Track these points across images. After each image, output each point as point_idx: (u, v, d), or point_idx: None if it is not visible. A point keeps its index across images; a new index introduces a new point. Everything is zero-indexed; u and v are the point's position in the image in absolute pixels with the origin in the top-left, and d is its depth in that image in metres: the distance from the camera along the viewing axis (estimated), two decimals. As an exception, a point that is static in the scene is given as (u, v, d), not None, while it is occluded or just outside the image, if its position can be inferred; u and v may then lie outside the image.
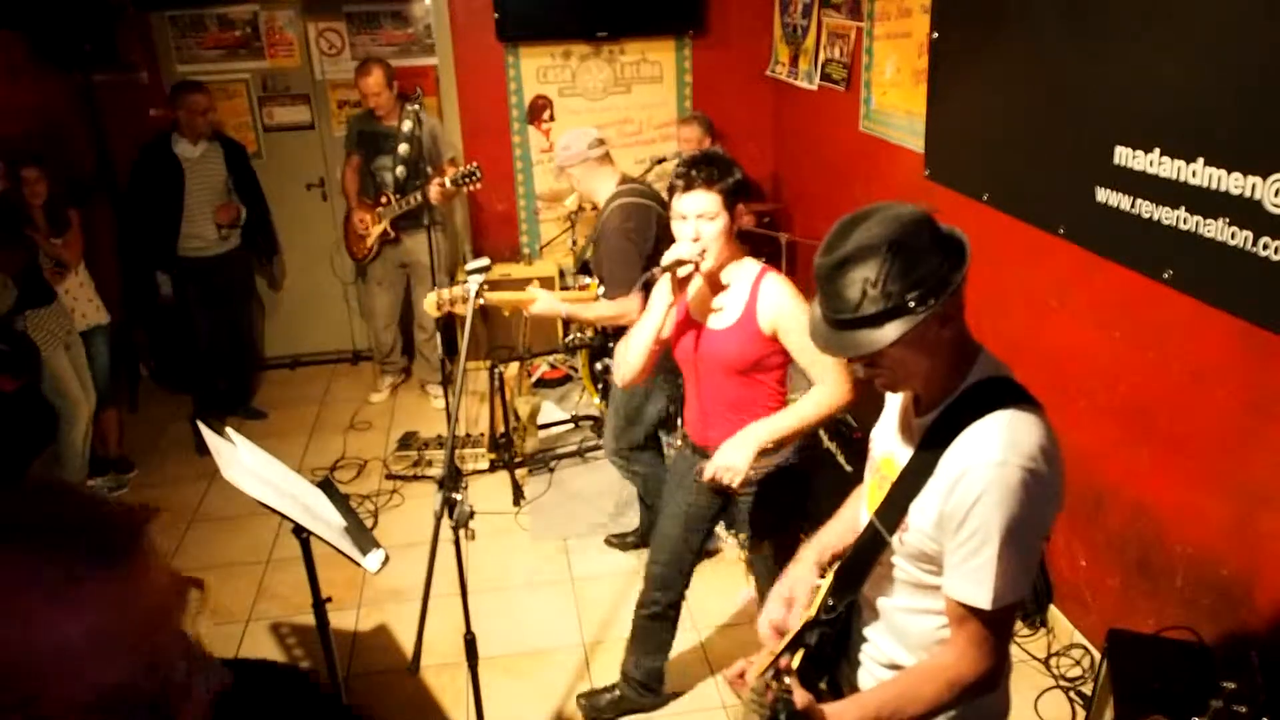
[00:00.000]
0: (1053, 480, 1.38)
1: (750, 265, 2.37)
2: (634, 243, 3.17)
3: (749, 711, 1.41)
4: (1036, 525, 1.38)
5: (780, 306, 2.28)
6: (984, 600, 1.37)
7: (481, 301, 3.40)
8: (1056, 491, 1.40)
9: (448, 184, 4.66)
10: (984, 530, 1.35)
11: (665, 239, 3.37)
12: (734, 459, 2.26)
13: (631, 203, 3.25)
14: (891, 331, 1.34)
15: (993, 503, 1.34)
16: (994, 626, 1.41)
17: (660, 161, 5.18)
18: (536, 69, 5.60)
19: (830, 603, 1.59)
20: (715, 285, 2.37)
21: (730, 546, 3.80)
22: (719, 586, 3.55)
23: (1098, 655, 2.88)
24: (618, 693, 2.96)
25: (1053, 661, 3.05)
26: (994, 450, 1.35)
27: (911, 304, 1.33)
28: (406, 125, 4.32)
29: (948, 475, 1.39)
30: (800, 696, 1.37)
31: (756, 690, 1.39)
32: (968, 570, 1.38)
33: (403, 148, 4.57)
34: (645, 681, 2.92)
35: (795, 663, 1.54)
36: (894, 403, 1.63)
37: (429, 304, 3.41)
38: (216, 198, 4.76)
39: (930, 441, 1.44)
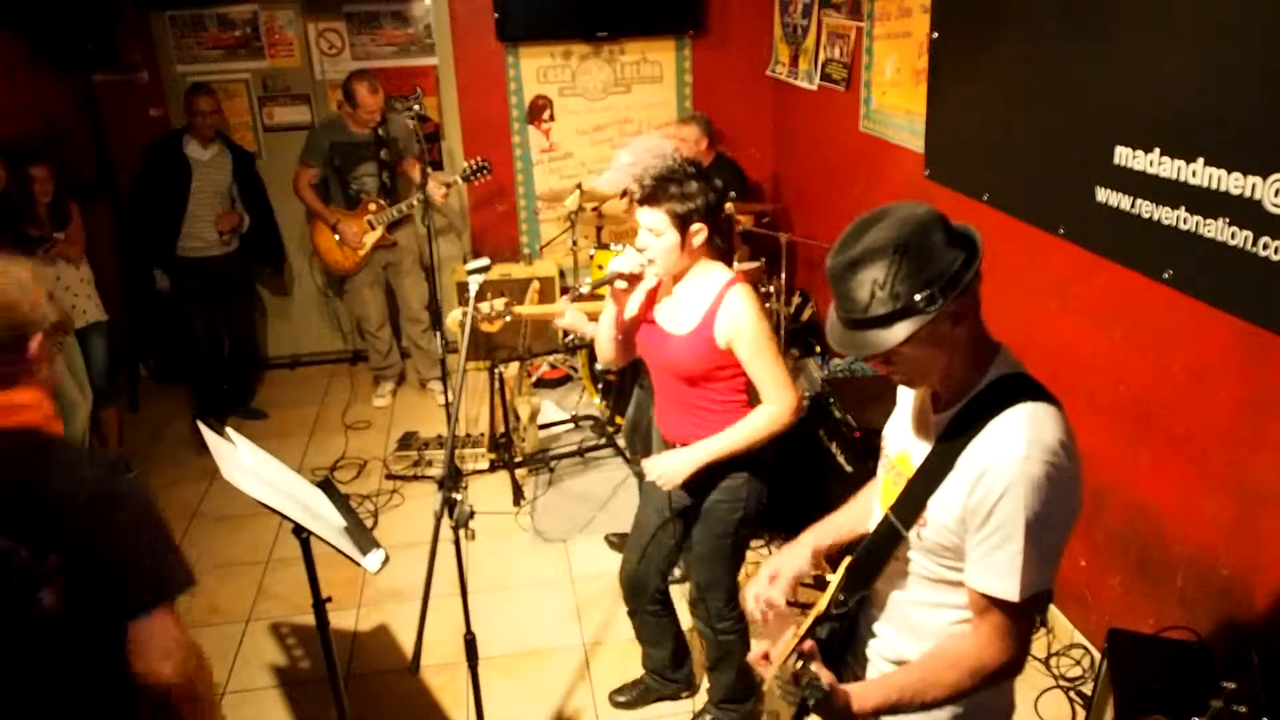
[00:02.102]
0: (1075, 475, 1.40)
1: (719, 275, 2.35)
2: None
3: (775, 694, 1.42)
4: (1061, 518, 1.39)
5: (738, 322, 2.28)
6: (1011, 593, 1.38)
7: (509, 318, 3.38)
8: (1078, 486, 1.42)
9: (458, 180, 4.69)
10: (1010, 524, 1.36)
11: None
12: (669, 471, 2.38)
13: None
14: (901, 331, 1.35)
15: (1018, 496, 1.35)
16: (1019, 618, 1.43)
17: (660, 161, 5.17)
18: (536, 69, 5.60)
19: (841, 597, 1.60)
20: (672, 290, 2.40)
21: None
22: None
23: (1098, 655, 2.88)
24: (644, 685, 3.01)
25: (1053, 661, 3.05)
26: (1018, 445, 1.36)
27: (921, 304, 1.34)
28: (381, 130, 4.35)
29: (970, 470, 1.40)
30: (825, 676, 1.39)
31: (783, 674, 1.41)
32: (993, 564, 1.39)
33: (384, 152, 4.58)
34: (659, 670, 2.96)
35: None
36: (906, 400, 1.64)
37: (451, 321, 3.44)
38: (219, 202, 4.77)
39: (950, 437, 1.45)
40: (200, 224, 4.72)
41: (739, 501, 2.48)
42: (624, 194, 4.68)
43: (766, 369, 2.31)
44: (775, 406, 2.32)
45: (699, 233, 2.29)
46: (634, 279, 2.37)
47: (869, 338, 1.38)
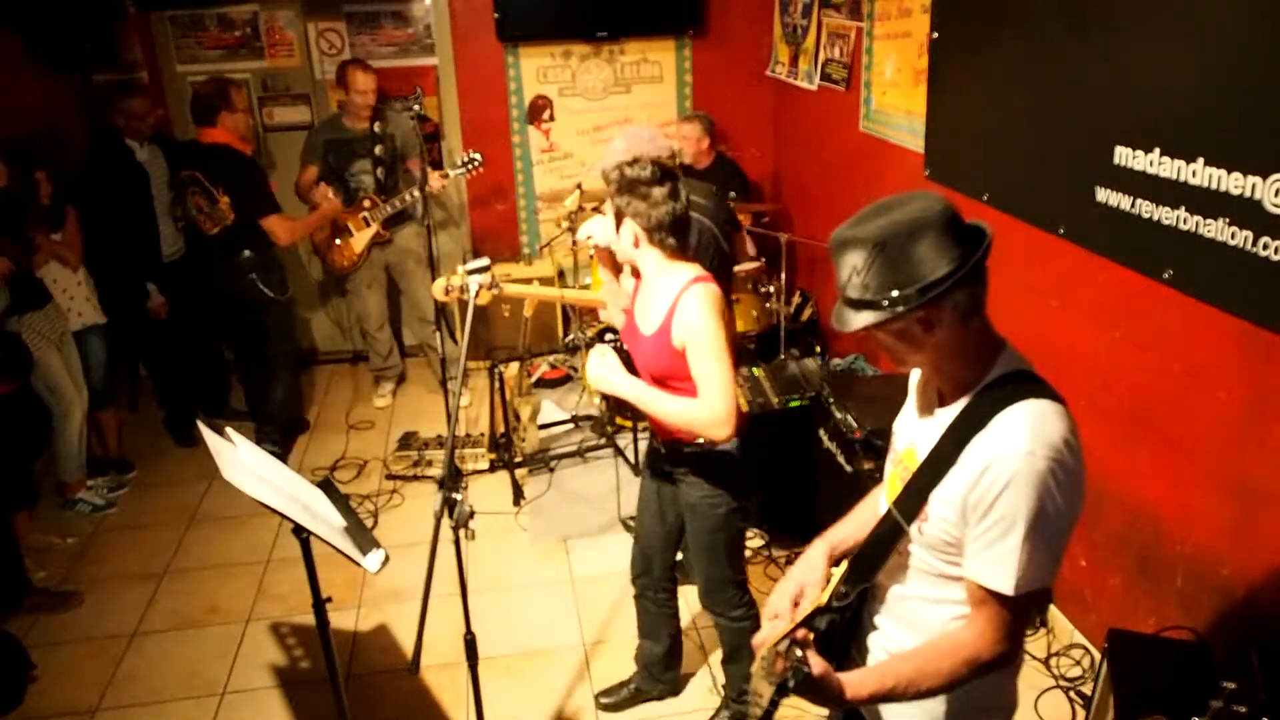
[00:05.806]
0: (1077, 472, 1.40)
1: (681, 274, 2.34)
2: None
3: (759, 674, 1.41)
4: (1062, 515, 1.39)
5: (691, 325, 2.25)
6: (1006, 586, 1.39)
7: (495, 291, 3.52)
8: (1081, 483, 1.42)
9: (451, 174, 4.68)
10: (1009, 517, 1.37)
11: (722, 259, 3.20)
12: (598, 378, 2.37)
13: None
14: (860, 319, 1.41)
15: (1019, 491, 1.36)
16: (1014, 611, 1.43)
17: (660, 161, 5.17)
18: (536, 69, 5.60)
19: (843, 590, 1.61)
20: (648, 288, 2.43)
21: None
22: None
23: (1098, 655, 2.89)
24: (631, 686, 3.01)
25: (1053, 661, 3.05)
26: (1021, 441, 1.37)
27: (884, 303, 1.38)
28: (378, 126, 4.35)
29: (973, 465, 1.41)
30: (817, 664, 1.39)
31: (766, 660, 1.40)
32: (991, 556, 1.40)
33: (379, 149, 4.55)
34: (649, 666, 2.97)
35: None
36: (914, 395, 1.65)
37: (437, 288, 3.49)
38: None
39: (954, 432, 1.46)
40: (171, 226, 4.68)
41: (718, 496, 2.50)
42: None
43: (707, 371, 2.25)
44: (705, 410, 2.26)
45: (625, 227, 2.35)
46: (599, 249, 2.59)
47: (843, 313, 1.44)
